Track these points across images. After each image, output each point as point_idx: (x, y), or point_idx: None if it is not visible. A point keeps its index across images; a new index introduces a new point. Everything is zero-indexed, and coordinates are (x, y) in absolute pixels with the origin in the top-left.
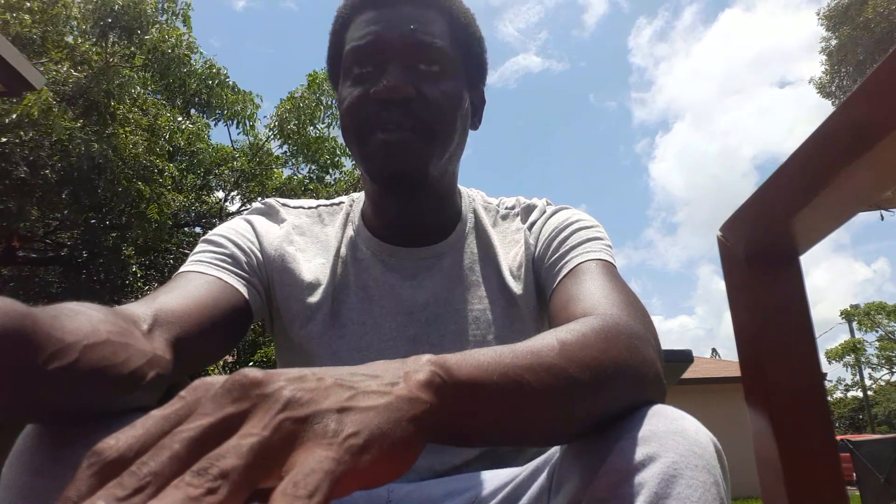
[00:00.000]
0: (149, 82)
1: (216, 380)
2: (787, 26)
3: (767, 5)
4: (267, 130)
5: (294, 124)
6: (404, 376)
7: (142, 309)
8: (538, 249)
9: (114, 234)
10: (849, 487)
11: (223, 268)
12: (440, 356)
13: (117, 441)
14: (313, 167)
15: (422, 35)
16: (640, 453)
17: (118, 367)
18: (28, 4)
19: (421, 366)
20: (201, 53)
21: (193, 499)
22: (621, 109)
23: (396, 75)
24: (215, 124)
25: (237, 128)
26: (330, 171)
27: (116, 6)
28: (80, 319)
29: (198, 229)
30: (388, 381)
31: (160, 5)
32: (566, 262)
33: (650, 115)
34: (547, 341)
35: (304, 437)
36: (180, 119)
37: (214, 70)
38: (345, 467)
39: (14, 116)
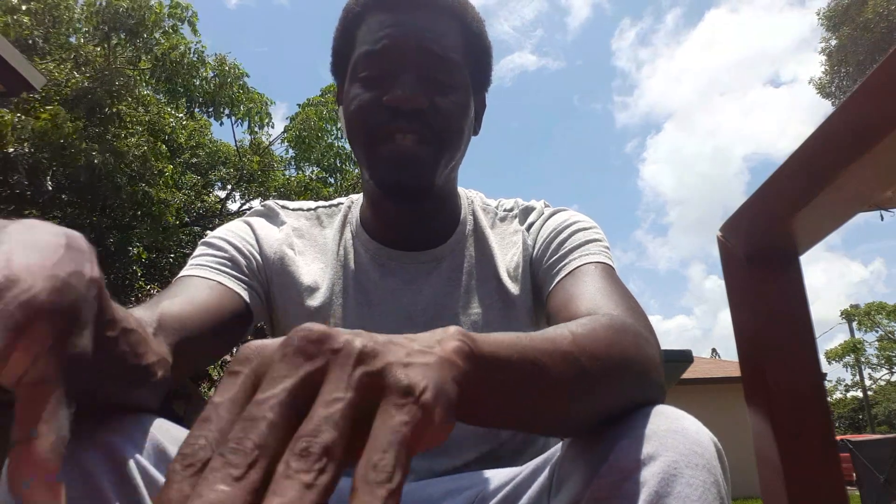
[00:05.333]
0: (151, 82)
1: (268, 343)
2: (777, 26)
3: (753, 7)
4: (286, 137)
5: (309, 135)
6: (438, 342)
7: (146, 313)
8: (536, 251)
9: (118, 234)
10: (849, 487)
11: (223, 272)
12: (465, 330)
13: (204, 438)
14: (317, 169)
15: (436, 45)
16: (640, 452)
17: (139, 358)
18: (27, 7)
19: (451, 334)
20: (209, 63)
21: (309, 485)
22: (605, 112)
23: (411, 85)
24: (221, 124)
25: (244, 126)
26: (334, 175)
27: (121, 9)
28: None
29: (196, 228)
30: (427, 343)
31: (166, 9)
32: (565, 265)
33: (642, 115)
34: (560, 331)
35: (381, 392)
36: (181, 116)
37: (227, 69)
38: (418, 430)
39: (28, 134)
